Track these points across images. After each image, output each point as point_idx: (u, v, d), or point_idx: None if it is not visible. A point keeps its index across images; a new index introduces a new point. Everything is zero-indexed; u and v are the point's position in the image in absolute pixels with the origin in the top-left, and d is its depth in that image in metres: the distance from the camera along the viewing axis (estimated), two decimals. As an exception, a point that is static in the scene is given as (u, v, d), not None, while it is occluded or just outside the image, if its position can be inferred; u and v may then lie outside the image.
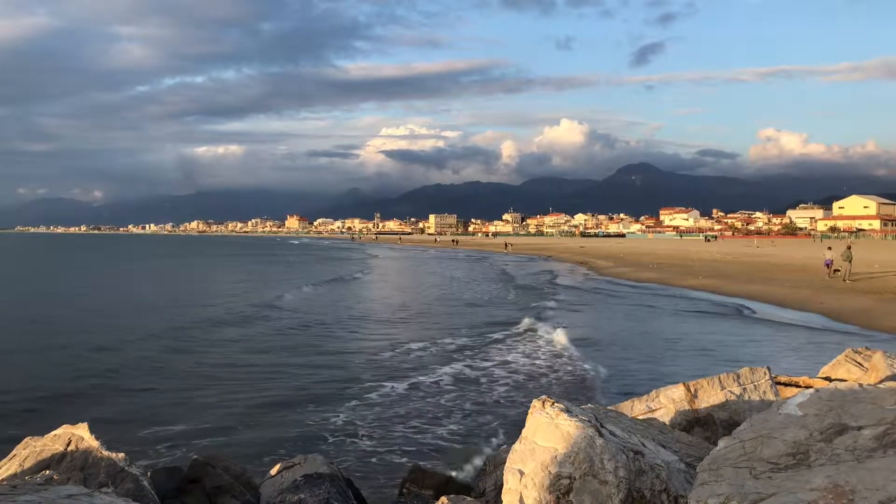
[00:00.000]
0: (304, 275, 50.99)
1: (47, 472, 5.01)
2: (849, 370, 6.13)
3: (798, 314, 23.75)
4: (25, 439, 5.60)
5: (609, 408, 5.52)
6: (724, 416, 5.63)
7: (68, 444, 5.33)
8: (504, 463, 4.10)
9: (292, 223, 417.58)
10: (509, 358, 16.33)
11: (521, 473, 3.79)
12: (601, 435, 3.78)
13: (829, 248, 34.92)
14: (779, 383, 6.23)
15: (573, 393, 12.61)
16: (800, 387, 6.09)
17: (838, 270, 32.12)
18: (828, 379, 6.07)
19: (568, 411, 3.96)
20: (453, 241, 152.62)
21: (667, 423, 5.54)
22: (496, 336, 19.74)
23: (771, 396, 5.73)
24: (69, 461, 5.20)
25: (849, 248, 33.68)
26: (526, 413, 4.12)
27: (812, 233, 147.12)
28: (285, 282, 43.11)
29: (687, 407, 5.83)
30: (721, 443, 3.36)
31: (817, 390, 3.59)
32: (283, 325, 22.71)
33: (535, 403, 4.10)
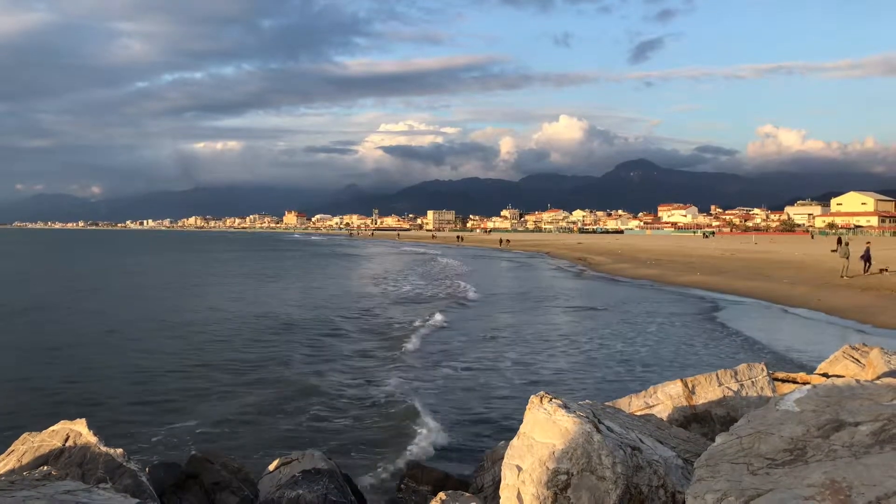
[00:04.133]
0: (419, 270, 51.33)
1: (45, 467, 5.02)
2: (846, 366, 6.15)
3: (797, 310, 23.78)
4: (23, 435, 5.60)
5: (606, 404, 5.53)
6: (722, 412, 5.65)
7: (66, 440, 5.34)
8: (502, 458, 4.11)
9: (290, 219, 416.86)
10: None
11: (519, 469, 3.80)
12: (599, 431, 3.79)
13: (868, 244, 34.67)
14: (776, 379, 6.24)
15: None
16: (797, 383, 6.11)
17: (869, 265, 31.71)
18: (825, 375, 6.09)
19: (566, 407, 3.97)
20: (458, 237, 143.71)
21: (664, 419, 5.55)
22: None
23: (768, 393, 5.74)
24: (67, 457, 5.20)
25: (846, 244, 33.67)
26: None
27: (810, 229, 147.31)
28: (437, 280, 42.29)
29: (684, 403, 5.84)
30: (718, 439, 3.36)
31: (814, 386, 3.60)
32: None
33: (533, 399, 4.10)
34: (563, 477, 3.66)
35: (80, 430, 5.40)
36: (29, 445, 5.42)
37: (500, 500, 3.87)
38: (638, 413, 5.60)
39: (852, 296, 25.27)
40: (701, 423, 5.64)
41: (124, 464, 5.13)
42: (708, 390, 5.86)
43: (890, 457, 2.72)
